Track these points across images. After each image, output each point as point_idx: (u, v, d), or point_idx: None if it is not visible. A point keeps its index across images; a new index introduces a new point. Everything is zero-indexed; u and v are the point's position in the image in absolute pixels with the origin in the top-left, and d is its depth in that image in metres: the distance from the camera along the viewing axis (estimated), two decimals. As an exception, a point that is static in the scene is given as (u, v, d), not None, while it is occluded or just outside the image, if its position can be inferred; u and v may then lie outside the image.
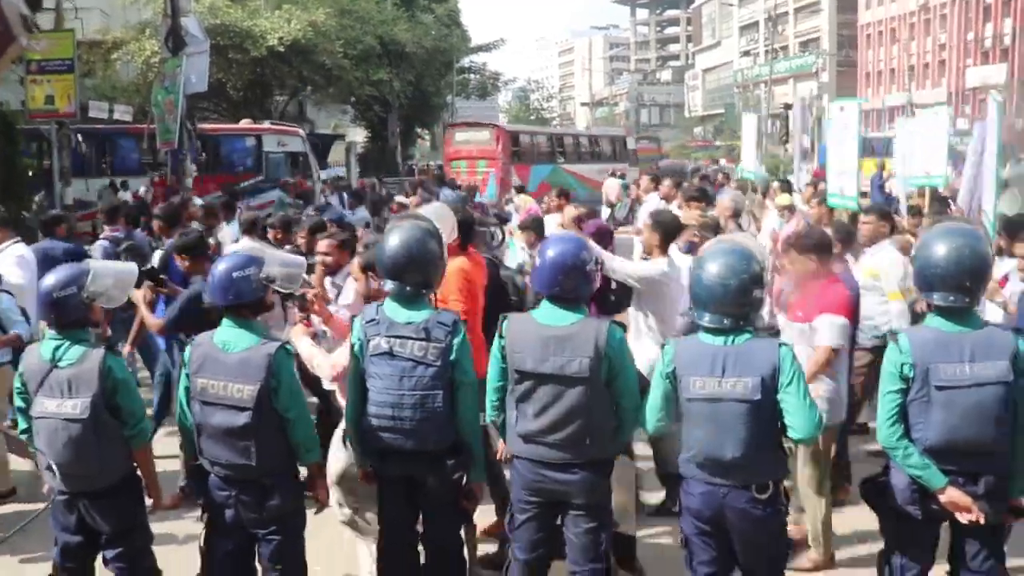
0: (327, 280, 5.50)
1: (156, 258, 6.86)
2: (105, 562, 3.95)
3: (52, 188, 16.10)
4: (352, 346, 3.96)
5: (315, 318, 4.67)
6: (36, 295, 4.19)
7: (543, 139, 29.67)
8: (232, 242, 8.26)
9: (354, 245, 5.86)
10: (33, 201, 15.27)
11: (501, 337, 3.80)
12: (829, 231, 5.61)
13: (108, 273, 4.05)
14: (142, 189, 16.25)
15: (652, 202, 10.57)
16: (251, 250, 4.18)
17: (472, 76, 48.91)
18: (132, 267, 4.36)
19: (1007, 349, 3.45)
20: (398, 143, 40.02)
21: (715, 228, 6.50)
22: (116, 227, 8.66)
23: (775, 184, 11.47)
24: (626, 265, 5.57)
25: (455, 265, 4.75)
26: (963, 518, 3.48)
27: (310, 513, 4.04)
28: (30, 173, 16.03)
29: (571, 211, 7.10)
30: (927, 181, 9.18)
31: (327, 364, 4.31)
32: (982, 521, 3.46)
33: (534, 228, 7.34)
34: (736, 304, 3.52)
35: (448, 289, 4.62)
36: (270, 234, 7.66)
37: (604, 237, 5.69)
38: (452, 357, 3.76)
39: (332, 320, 4.68)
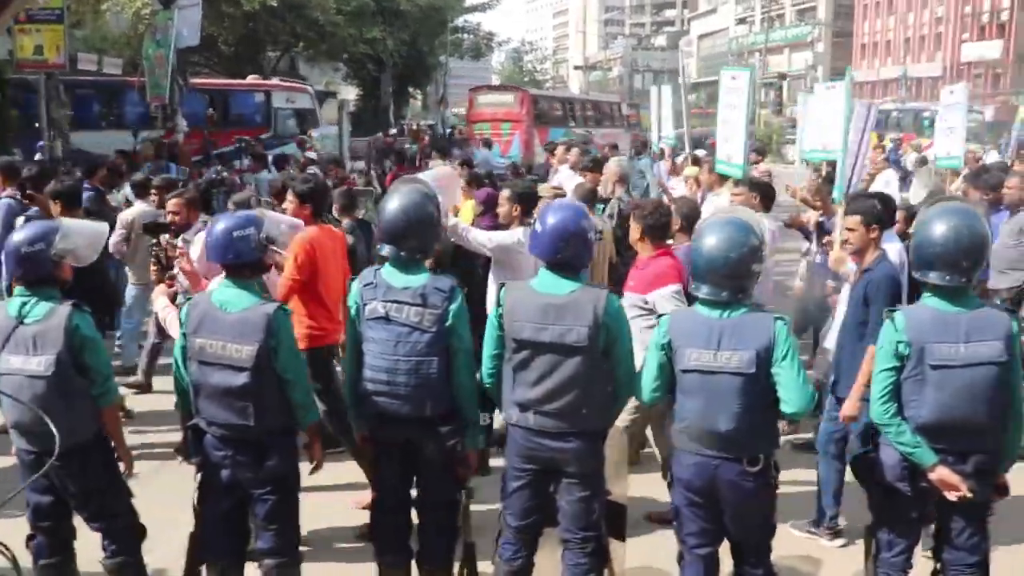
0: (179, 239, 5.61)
1: None
2: (69, 519, 3.94)
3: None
4: (349, 309, 3.97)
5: (181, 278, 4.82)
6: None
7: (557, 103, 30.47)
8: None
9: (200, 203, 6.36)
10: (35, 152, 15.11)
11: (499, 305, 3.80)
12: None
13: (78, 231, 4.01)
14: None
15: (564, 172, 10.60)
16: (250, 211, 4.16)
17: (466, 36, 48.47)
18: (103, 226, 4.32)
19: (1002, 329, 3.49)
20: (391, 102, 39.71)
21: (591, 195, 6.79)
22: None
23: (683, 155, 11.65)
24: (479, 235, 5.89)
25: (301, 236, 5.15)
26: (951, 496, 3.53)
27: (304, 473, 4.06)
28: (37, 124, 15.82)
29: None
30: (824, 155, 9.51)
31: (176, 327, 4.30)
32: (969, 498, 3.51)
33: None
34: (735, 276, 3.54)
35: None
36: (154, 195, 7.72)
37: (490, 205, 5.80)
38: (448, 323, 3.77)
39: (196, 277, 4.77)
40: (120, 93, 21.02)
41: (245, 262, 3.86)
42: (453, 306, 3.79)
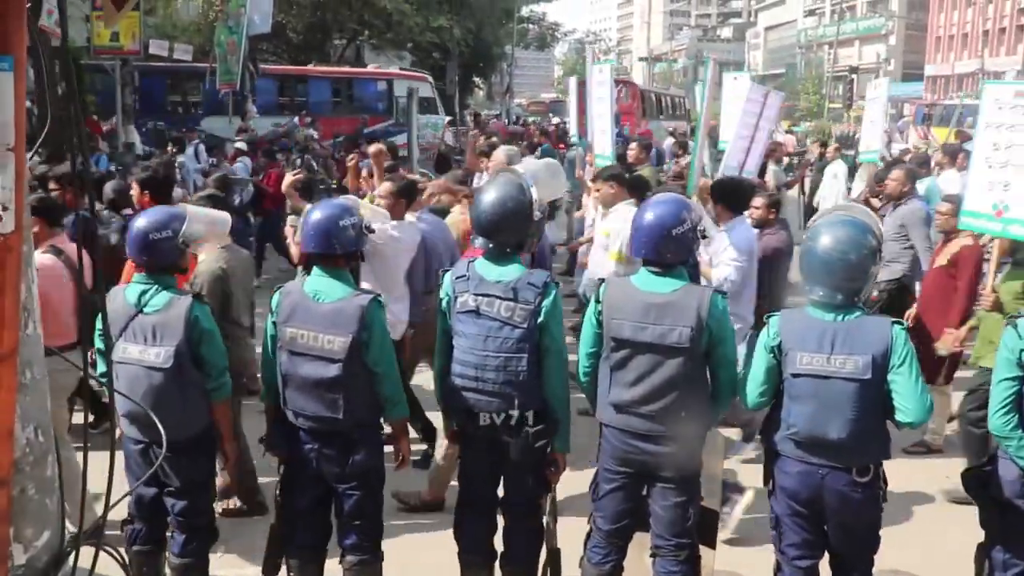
0: None
1: None
2: (166, 511, 3.91)
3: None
4: (440, 301, 3.87)
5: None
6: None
7: (652, 97, 32.26)
8: None
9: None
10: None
11: (598, 302, 3.67)
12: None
13: (203, 218, 3.99)
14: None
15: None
16: (347, 199, 4.09)
17: (531, 26, 48.27)
18: (225, 214, 4.28)
19: None
20: (456, 91, 39.72)
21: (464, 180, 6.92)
22: None
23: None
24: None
25: None
26: None
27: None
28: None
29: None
30: (868, 157, 9.67)
31: None
32: None
33: None
34: (852, 279, 3.38)
35: None
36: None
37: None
38: (540, 320, 3.65)
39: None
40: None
41: (342, 252, 3.79)
42: (546, 302, 3.66)
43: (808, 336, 3.38)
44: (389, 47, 39.47)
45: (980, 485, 3.61)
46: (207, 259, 4.75)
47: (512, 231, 3.79)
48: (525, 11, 46.65)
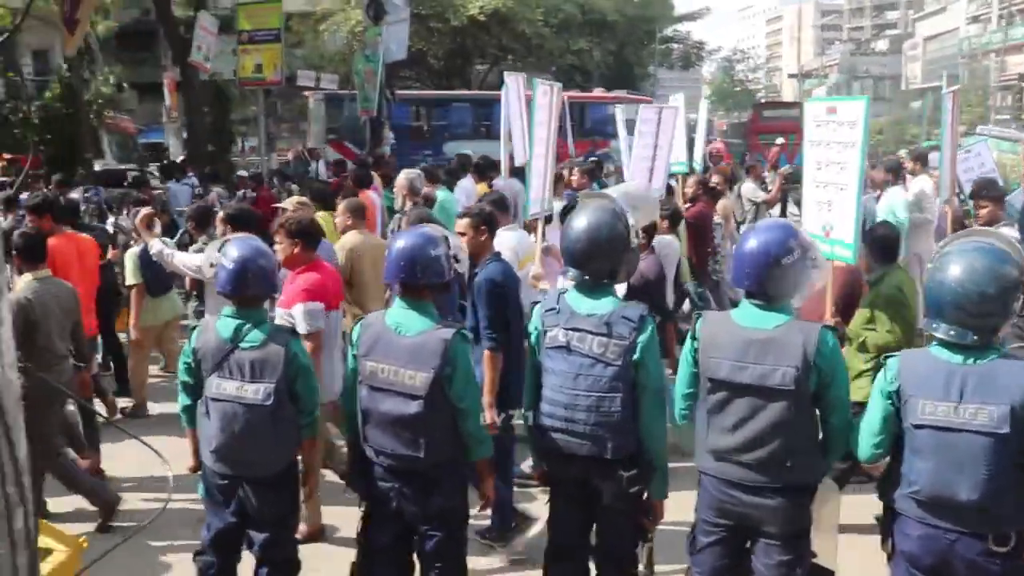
0: None
1: None
2: (249, 545, 3.84)
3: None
4: (529, 335, 3.65)
5: None
6: None
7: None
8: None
9: None
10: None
11: (694, 339, 3.37)
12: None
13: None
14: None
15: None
16: (434, 228, 3.93)
17: (675, 46, 47.57)
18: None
19: None
20: (599, 114, 39.55)
21: (359, 210, 6.58)
22: None
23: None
24: (179, 256, 6.20)
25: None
26: None
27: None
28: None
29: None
30: (677, 168, 9.45)
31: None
32: None
33: None
34: (988, 315, 2.94)
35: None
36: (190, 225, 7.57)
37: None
38: (636, 356, 3.37)
39: None
40: (489, 106, 22.96)
41: (426, 283, 3.62)
42: (642, 337, 3.38)
43: (933, 381, 2.96)
44: (531, 71, 39.76)
45: None
46: (17, 288, 5.03)
47: (605, 260, 3.53)
48: (669, 31, 46.03)
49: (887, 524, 3.19)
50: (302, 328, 4.60)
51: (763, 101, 33.17)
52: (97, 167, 18.51)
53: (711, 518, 3.37)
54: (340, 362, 4.93)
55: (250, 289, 3.75)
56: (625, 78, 41.02)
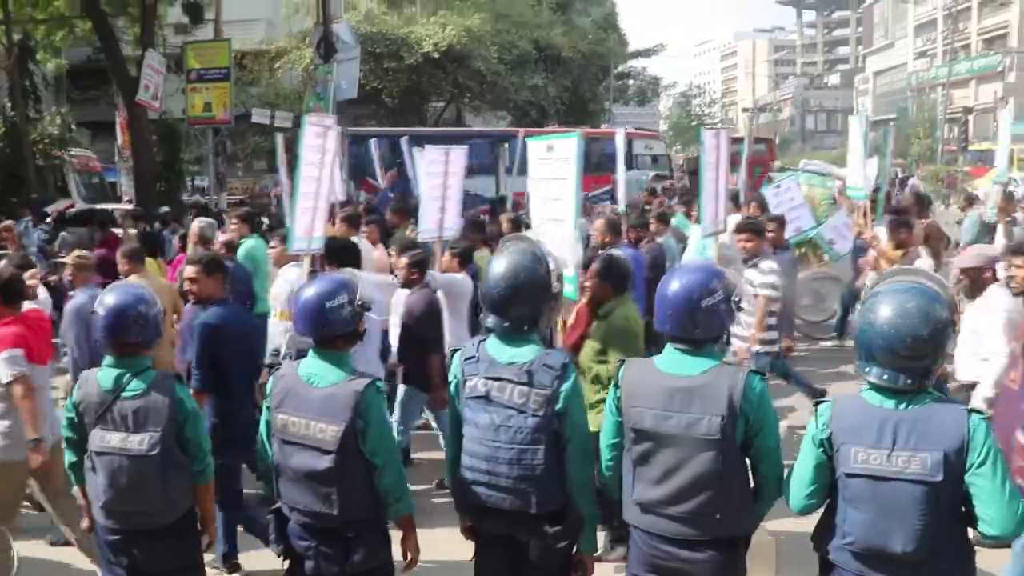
0: None
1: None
2: None
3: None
4: (448, 384, 3.48)
5: None
6: None
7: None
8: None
9: None
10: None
11: (616, 387, 3.21)
12: None
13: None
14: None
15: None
16: (343, 274, 3.75)
17: (631, 81, 48.03)
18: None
19: None
20: (553, 149, 39.66)
21: (136, 255, 6.77)
22: None
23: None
24: None
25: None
26: None
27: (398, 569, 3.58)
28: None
29: None
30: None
31: None
32: None
33: None
34: (919, 357, 2.80)
35: None
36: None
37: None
38: (559, 407, 3.20)
39: None
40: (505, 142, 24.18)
41: (338, 334, 3.44)
42: (565, 386, 3.22)
43: (865, 428, 2.82)
44: (487, 108, 39.92)
45: None
46: None
47: (526, 305, 3.37)
48: (624, 67, 46.46)
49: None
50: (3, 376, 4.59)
51: (736, 136, 34.30)
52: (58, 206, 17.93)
53: (642, 573, 3.20)
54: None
55: (128, 337, 3.58)
56: (581, 113, 41.37)
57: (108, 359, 3.62)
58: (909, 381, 2.81)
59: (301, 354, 3.65)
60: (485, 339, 3.42)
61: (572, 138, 4.99)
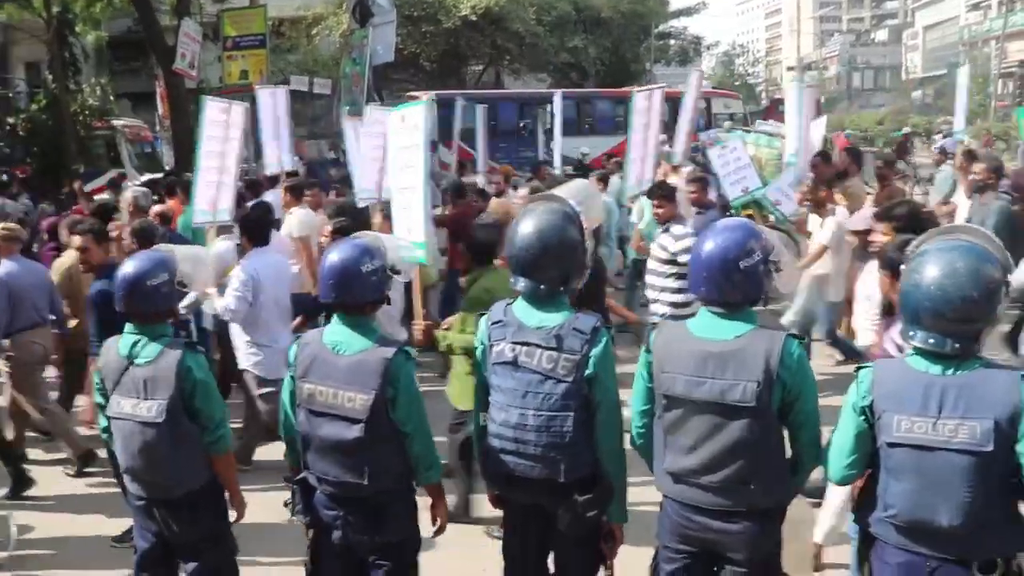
0: None
1: None
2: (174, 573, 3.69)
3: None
4: (475, 349, 3.38)
5: None
6: None
7: None
8: None
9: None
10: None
11: (648, 352, 3.09)
12: None
13: (190, 258, 3.78)
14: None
15: None
16: (367, 238, 3.65)
17: (672, 42, 47.19)
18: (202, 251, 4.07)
19: None
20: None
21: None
22: None
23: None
24: None
25: None
26: None
27: (425, 536, 3.52)
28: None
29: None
30: None
31: None
32: None
33: None
34: (969, 321, 2.65)
35: None
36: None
37: None
38: (589, 371, 3.10)
39: None
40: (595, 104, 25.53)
41: (368, 300, 3.36)
42: (595, 351, 3.11)
43: (909, 394, 2.68)
44: (526, 70, 39.54)
45: None
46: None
47: (559, 266, 3.26)
48: (665, 27, 45.64)
49: (863, 549, 2.92)
50: None
51: (777, 97, 34.76)
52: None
53: (673, 544, 3.11)
54: None
55: (139, 306, 3.57)
56: (622, 74, 40.77)
57: (129, 326, 3.63)
58: (957, 345, 2.66)
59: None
60: (512, 302, 3.32)
61: (420, 106, 5.06)
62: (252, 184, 10.64)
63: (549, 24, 31.71)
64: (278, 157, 10.42)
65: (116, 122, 20.22)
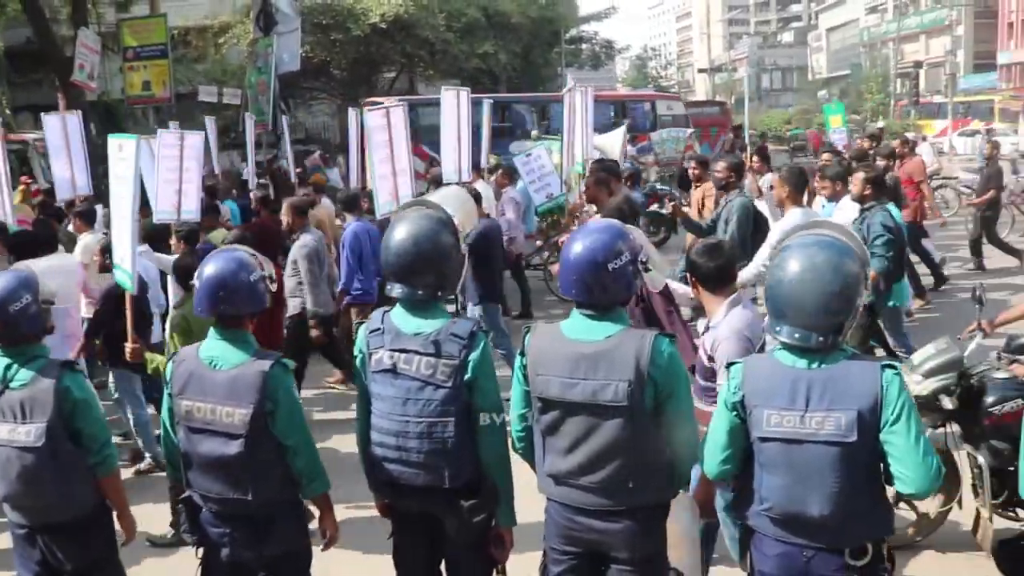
0: None
1: None
2: None
3: None
4: (355, 359, 3.35)
5: None
6: None
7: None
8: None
9: None
10: None
11: (522, 354, 3.10)
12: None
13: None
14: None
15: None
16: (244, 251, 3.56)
17: (584, 46, 47.64)
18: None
19: None
20: (508, 115, 39.32)
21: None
22: None
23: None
24: None
25: None
26: None
27: (316, 550, 3.48)
28: None
29: None
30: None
31: None
32: None
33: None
34: (831, 314, 2.72)
35: None
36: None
37: None
38: (468, 376, 3.09)
39: None
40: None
41: (245, 312, 3.30)
42: (474, 355, 3.11)
43: (777, 389, 2.74)
44: (438, 76, 39.46)
45: (1018, 559, 2.93)
46: None
47: (434, 272, 3.24)
48: (575, 31, 46.05)
49: (744, 541, 2.97)
50: None
51: (692, 100, 35.77)
52: None
53: (559, 546, 3.11)
54: None
55: (6, 333, 3.43)
56: (533, 79, 41.00)
57: None
58: (821, 339, 2.72)
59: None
60: (390, 310, 3.29)
61: (132, 140, 5.08)
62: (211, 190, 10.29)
63: (459, 31, 31.67)
64: (71, 180, 10.06)
65: (28, 136, 19.54)
